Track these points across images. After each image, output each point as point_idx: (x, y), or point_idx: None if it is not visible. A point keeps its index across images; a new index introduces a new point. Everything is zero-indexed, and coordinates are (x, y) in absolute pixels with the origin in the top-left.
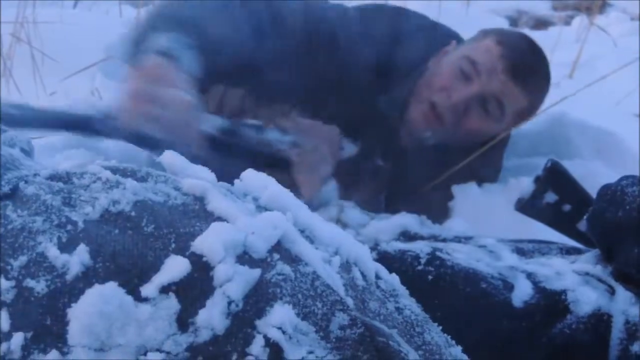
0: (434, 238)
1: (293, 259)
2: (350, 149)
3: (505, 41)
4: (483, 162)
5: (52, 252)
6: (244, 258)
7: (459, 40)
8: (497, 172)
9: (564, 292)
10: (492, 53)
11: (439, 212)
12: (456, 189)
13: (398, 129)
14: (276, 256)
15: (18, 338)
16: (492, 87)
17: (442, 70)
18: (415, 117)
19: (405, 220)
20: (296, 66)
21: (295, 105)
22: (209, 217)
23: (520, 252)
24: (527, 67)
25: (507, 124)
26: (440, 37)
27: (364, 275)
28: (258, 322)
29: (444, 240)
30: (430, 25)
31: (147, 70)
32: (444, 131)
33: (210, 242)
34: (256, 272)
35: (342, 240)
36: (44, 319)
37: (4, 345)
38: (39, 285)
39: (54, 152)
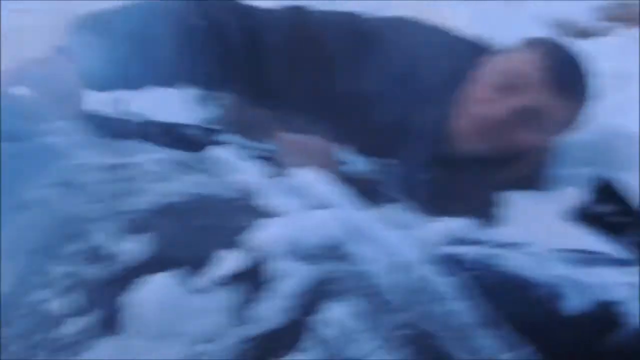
0: (484, 244)
1: (347, 258)
2: (357, 161)
3: (550, 52)
4: (527, 171)
5: (109, 239)
6: (300, 254)
7: (484, 50)
8: (541, 181)
9: (614, 303)
10: (535, 65)
11: (484, 218)
12: (505, 196)
13: (439, 142)
14: (331, 254)
15: (73, 322)
16: (537, 100)
17: (483, 82)
18: (457, 130)
19: (456, 224)
20: (329, 81)
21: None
22: (267, 213)
23: (570, 261)
24: (571, 79)
25: (549, 135)
26: (469, 48)
27: (415, 277)
28: (311, 318)
29: (494, 246)
30: (455, 38)
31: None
32: (487, 143)
33: (267, 237)
34: (311, 269)
35: (396, 241)
36: (98, 306)
37: (58, 330)
38: (96, 272)
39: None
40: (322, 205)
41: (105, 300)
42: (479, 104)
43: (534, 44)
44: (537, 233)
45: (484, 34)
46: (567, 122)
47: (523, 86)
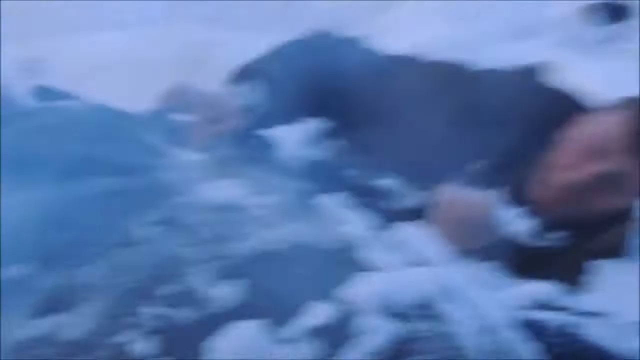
0: (569, 311)
1: (435, 317)
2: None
3: (632, 116)
4: (615, 238)
5: (202, 282)
6: (388, 311)
7: (578, 106)
8: (628, 249)
9: None
10: (622, 128)
11: (570, 285)
12: (593, 264)
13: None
14: (419, 312)
15: None
16: (620, 165)
17: (569, 147)
18: (541, 196)
19: (541, 288)
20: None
21: None
22: (360, 266)
23: None
24: None
25: (635, 200)
26: (565, 104)
27: (498, 341)
28: None
29: (578, 314)
30: (555, 92)
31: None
32: (571, 209)
33: (357, 291)
34: (398, 326)
35: (484, 304)
36: (185, 350)
37: None
38: (185, 314)
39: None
40: (418, 262)
41: (190, 344)
42: (563, 171)
43: (623, 104)
44: (623, 303)
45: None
46: None
47: (609, 151)
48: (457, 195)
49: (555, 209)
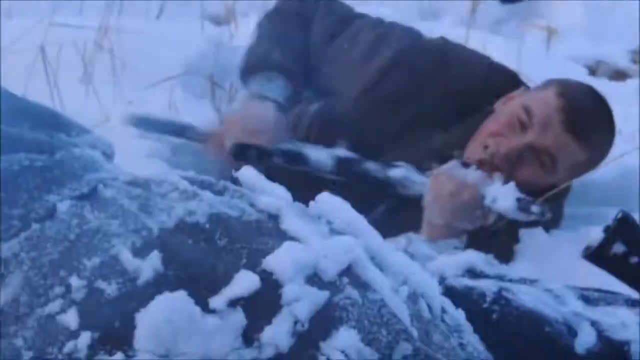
0: (500, 278)
1: (362, 285)
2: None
3: (567, 93)
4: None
5: (126, 256)
6: (314, 279)
7: (516, 81)
8: (557, 220)
9: (627, 343)
10: (550, 105)
11: (504, 254)
12: (523, 233)
13: None
14: (345, 280)
15: (85, 337)
16: (546, 140)
17: (501, 117)
18: (470, 158)
19: (473, 257)
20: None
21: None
22: (282, 236)
23: (586, 300)
24: (586, 122)
25: (564, 176)
26: (501, 78)
27: (430, 308)
28: (322, 344)
29: (510, 280)
30: (490, 65)
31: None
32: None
33: (281, 260)
34: (324, 294)
35: (411, 271)
36: (112, 321)
37: (71, 343)
38: (110, 288)
39: (134, 160)
40: (343, 231)
41: (118, 315)
42: (491, 138)
43: (554, 84)
44: (554, 271)
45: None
46: (583, 163)
47: (534, 126)
48: (452, 175)
49: (491, 173)
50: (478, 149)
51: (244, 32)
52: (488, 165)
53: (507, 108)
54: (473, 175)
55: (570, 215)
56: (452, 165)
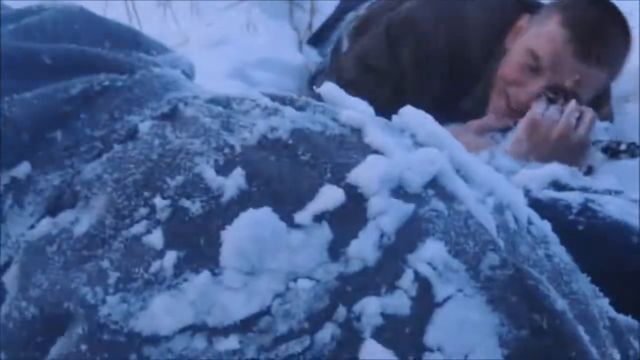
0: (585, 190)
1: (447, 197)
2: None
3: (571, 20)
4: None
5: (209, 174)
6: (399, 192)
7: (531, 7)
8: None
9: None
10: (557, 40)
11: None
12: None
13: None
14: (431, 192)
15: (171, 256)
16: (563, 77)
17: (512, 60)
18: (497, 112)
19: (557, 170)
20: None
21: None
22: (366, 150)
23: None
24: (599, 43)
25: (595, 91)
26: (511, 6)
27: (516, 219)
28: (409, 257)
29: (595, 192)
30: None
31: None
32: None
33: (366, 174)
34: (410, 207)
35: (497, 182)
36: (198, 240)
37: (157, 263)
38: (194, 206)
39: (214, 81)
40: (427, 144)
41: (203, 233)
42: (511, 87)
43: (555, 10)
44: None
45: None
46: (609, 75)
47: (548, 68)
48: (552, 118)
49: (512, 120)
50: (501, 99)
51: None
52: (515, 114)
53: (516, 48)
54: (571, 112)
55: None
56: (542, 106)
